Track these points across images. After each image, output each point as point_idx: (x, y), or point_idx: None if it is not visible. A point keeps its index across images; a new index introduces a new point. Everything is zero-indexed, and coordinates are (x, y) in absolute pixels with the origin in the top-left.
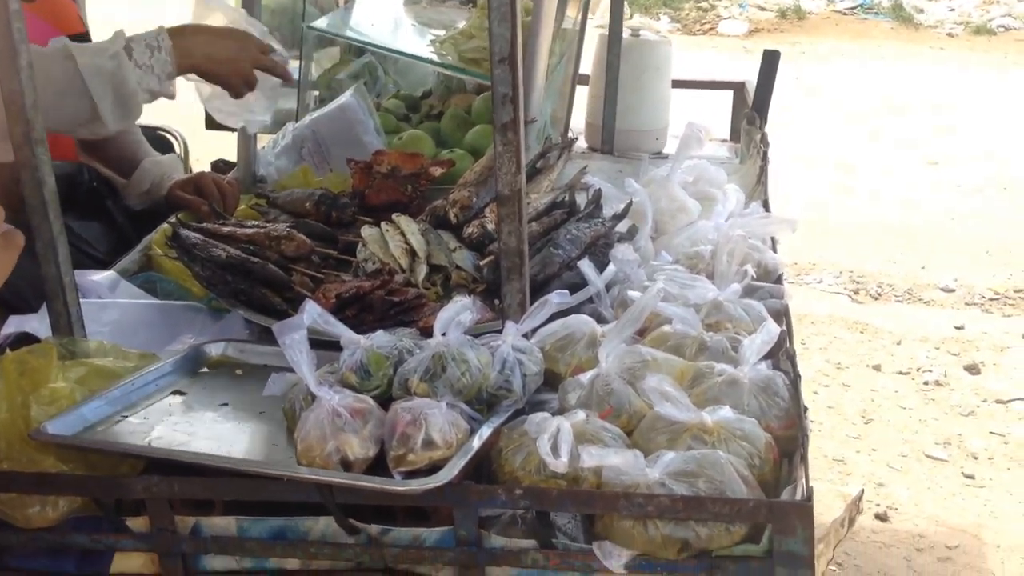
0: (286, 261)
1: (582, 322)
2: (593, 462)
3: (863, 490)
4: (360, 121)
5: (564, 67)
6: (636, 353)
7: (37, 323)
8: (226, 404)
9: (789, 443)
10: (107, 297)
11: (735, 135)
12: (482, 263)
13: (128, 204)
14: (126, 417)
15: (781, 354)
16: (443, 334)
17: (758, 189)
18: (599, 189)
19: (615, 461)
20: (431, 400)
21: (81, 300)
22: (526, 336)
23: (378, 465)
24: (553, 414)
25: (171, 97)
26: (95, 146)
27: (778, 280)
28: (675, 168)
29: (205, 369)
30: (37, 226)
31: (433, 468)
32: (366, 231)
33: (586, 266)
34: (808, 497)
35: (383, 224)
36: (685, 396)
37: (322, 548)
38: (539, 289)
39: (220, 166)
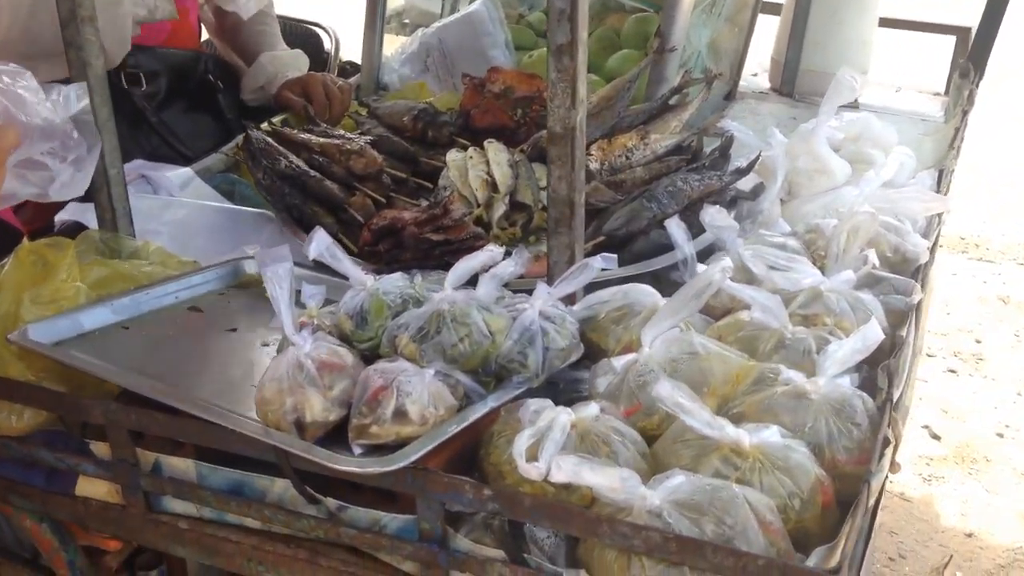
0: (353, 178)
1: (644, 292)
2: (562, 476)
3: (951, 556)
4: (488, 33)
5: None
6: (686, 342)
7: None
8: (235, 330)
9: (857, 483)
10: (176, 195)
11: (949, 89)
12: None
13: (243, 99)
14: (126, 329)
15: (881, 368)
16: (454, 288)
17: (948, 156)
18: (731, 136)
19: (591, 480)
20: (415, 365)
21: (145, 196)
22: (569, 302)
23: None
24: (568, 405)
25: None
26: (227, 32)
27: (916, 273)
28: (821, 120)
29: (236, 286)
30: None
31: (401, 445)
32: (451, 155)
33: (674, 226)
34: (838, 568)
35: (470, 149)
36: (704, 409)
37: (277, 513)
38: (621, 247)
39: (346, 68)
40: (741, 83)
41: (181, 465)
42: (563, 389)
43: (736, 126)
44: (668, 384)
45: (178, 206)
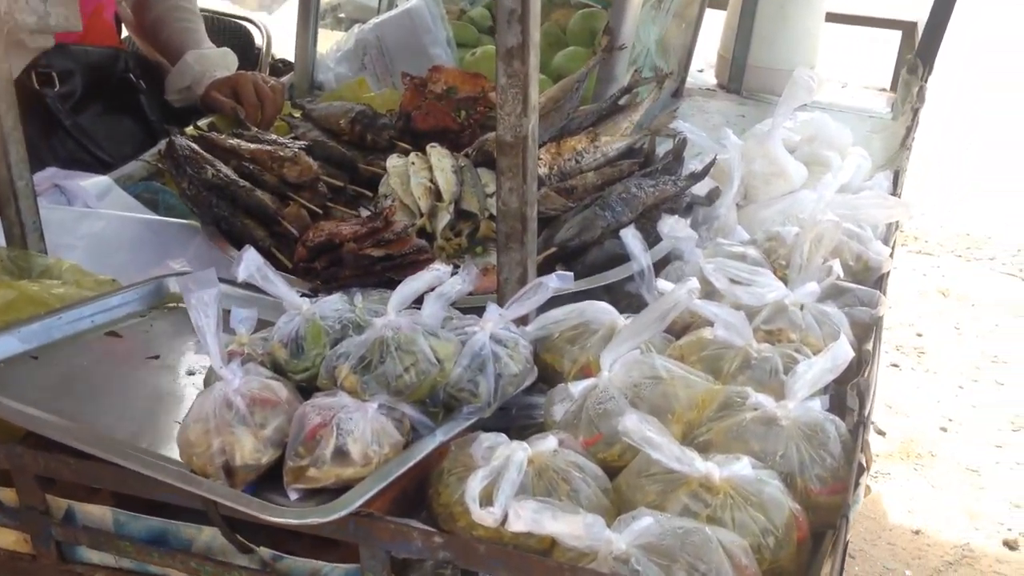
0: (287, 188)
1: (600, 310)
2: (521, 525)
3: None
4: (428, 30)
5: None
6: (648, 365)
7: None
8: (157, 357)
9: (831, 513)
10: (94, 205)
11: (896, 85)
12: None
13: (168, 100)
14: (35, 359)
15: (851, 387)
16: (398, 313)
17: (901, 155)
18: (684, 138)
19: (553, 528)
20: (356, 398)
21: (58, 208)
22: (522, 322)
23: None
24: (522, 432)
25: None
26: (147, 29)
27: (878, 283)
28: (777, 122)
29: (159, 307)
30: None
31: (343, 489)
32: (391, 161)
33: (630, 236)
34: None
35: (411, 155)
36: (673, 443)
37: (204, 564)
38: (573, 258)
39: (279, 67)
40: (688, 79)
41: (97, 512)
42: (515, 415)
43: (689, 127)
44: (635, 417)
45: (95, 218)
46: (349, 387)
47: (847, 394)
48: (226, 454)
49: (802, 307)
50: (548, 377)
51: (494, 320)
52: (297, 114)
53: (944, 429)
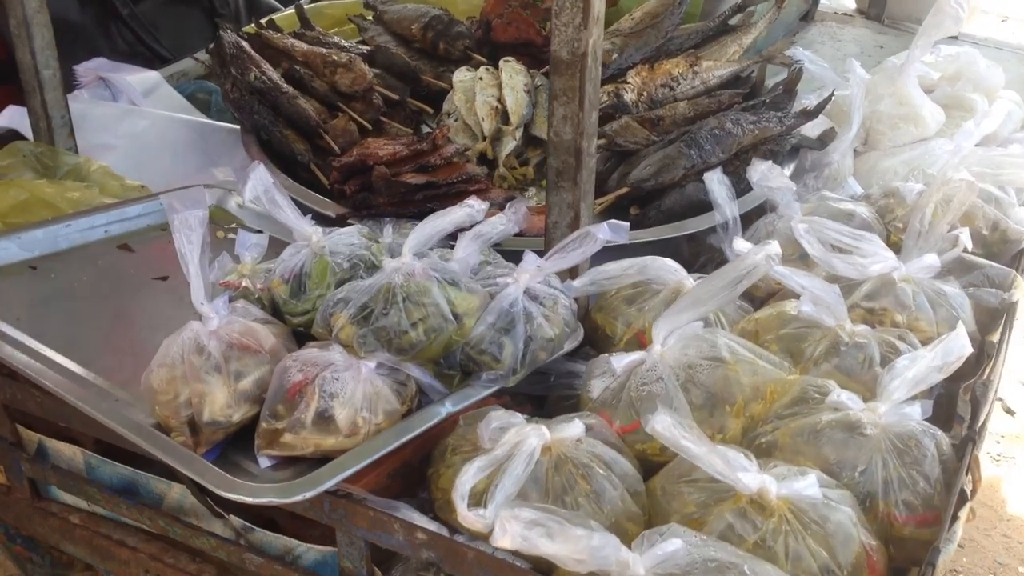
0: (338, 97)
1: (665, 268)
2: (507, 543)
3: None
4: None
5: None
6: (708, 343)
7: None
8: (166, 278)
9: (917, 549)
10: (139, 102)
11: None
12: None
13: None
14: (33, 269)
15: (964, 390)
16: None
17: None
18: (799, 68)
19: (548, 549)
20: (352, 355)
21: (100, 102)
22: (571, 274)
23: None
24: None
25: None
26: None
27: (1015, 259)
28: (914, 55)
29: None
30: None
31: (323, 460)
32: (459, 75)
33: (715, 181)
34: None
35: (480, 69)
36: (717, 450)
37: (173, 525)
38: (648, 201)
39: None
40: (823, 1)
41: (67, 452)
42: (554, 383)
43: (808, 55)
44: (666, 418)
45: (138, 116)
46: (345, 339)
47: (959, 399)
48: (192, 407)
49: (915, 284)
50: (598, 341)
51: (531, 272)
52: (369, 16)
53: None
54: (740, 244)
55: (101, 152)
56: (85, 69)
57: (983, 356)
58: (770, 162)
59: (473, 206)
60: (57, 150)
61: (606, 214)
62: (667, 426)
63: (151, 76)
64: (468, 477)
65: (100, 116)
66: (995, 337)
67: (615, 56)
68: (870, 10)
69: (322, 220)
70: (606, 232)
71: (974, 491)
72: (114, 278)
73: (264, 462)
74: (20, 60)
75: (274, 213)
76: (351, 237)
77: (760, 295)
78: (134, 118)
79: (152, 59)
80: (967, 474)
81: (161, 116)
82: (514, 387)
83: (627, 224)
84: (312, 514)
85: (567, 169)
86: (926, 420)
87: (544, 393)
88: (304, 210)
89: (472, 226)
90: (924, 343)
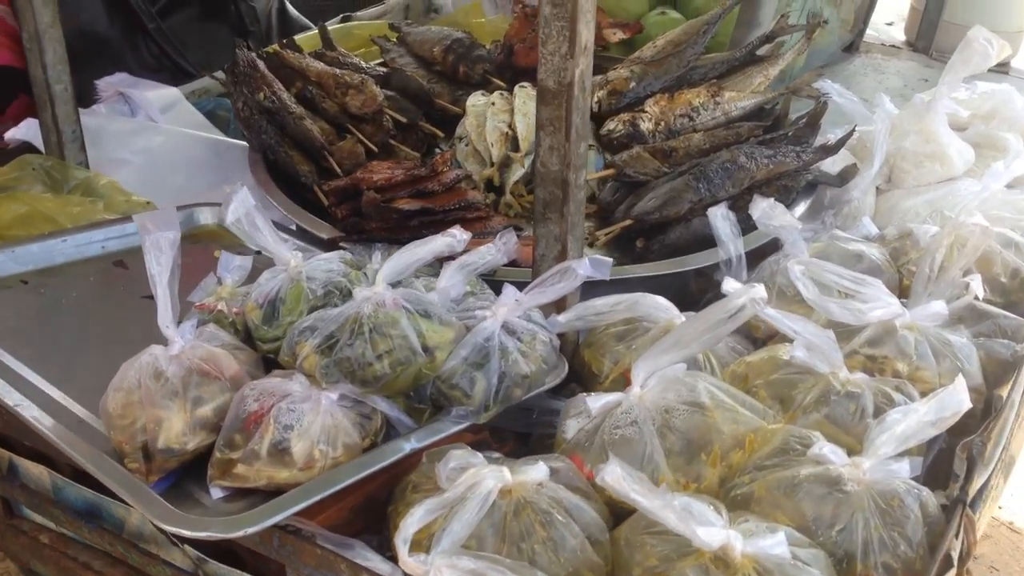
0: (348, 119)
1: (656, 305)
2: None
3: None
4: None
5: None
6: (687, 387)
7: None
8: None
9: None
10: (157, 118)
11: None
12: (595, 175)
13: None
14: (24, 283)
15: (961, 448)
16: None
17: None
18: (824, 101)
19: None
20: (315, 386)
21: (118, 118)
22: (556, 309)
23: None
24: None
25: None
26: None
27: None
28: (941, 91)
29: (187, 240)
30: (20, 11)
31: (278, 491)
32: (473, 99)
33: (719, 216)
34: None
35: (495, 94)
36: (675, 502)
37: (131, 551)
38: (652, 234)
39: None
40: (870, 32)
41: (35, 471)
42: (537, 420)
43: (837, 88)
44: (616, 469)
45: (154, 132)
46: (308, 369)
47: (955, 457)
48: (147, 434)
49: (919, 332)
50: (584, 378)
51: (509, 306)
52: (392, 36)
53: None
54: (729, 284)
55: (116, 167)
56: (106, 84)
57: (990, 410)
58: (772, 199)
59: (455, 235)
60: (66, 164)
61: (613, 245)
62: (617, 478)
63: (170, 92)
64: (414, 520)
65: (116, 131)
66: (1004, 391)
67: (632, 84)
68: (918, 42)
69: (319, 243)
70: (586, 268)
71: (967, 555)
72: (103, 295)
73: (216, 493)
74: (32, 74)
75: (254, 236)
76: (331, 263)
77: (760, 336)
78: (150, 134)
79: (178, 74)
80: (957, 537)
81: (176, 132)
82: (496, 423)
83: (610, 260)
84: (263, 549)
85: (554, 201)
86: (924, 476)
87: (527, 431)
88: (303, 232)
89: (446, 257)
90: (925, 394)
